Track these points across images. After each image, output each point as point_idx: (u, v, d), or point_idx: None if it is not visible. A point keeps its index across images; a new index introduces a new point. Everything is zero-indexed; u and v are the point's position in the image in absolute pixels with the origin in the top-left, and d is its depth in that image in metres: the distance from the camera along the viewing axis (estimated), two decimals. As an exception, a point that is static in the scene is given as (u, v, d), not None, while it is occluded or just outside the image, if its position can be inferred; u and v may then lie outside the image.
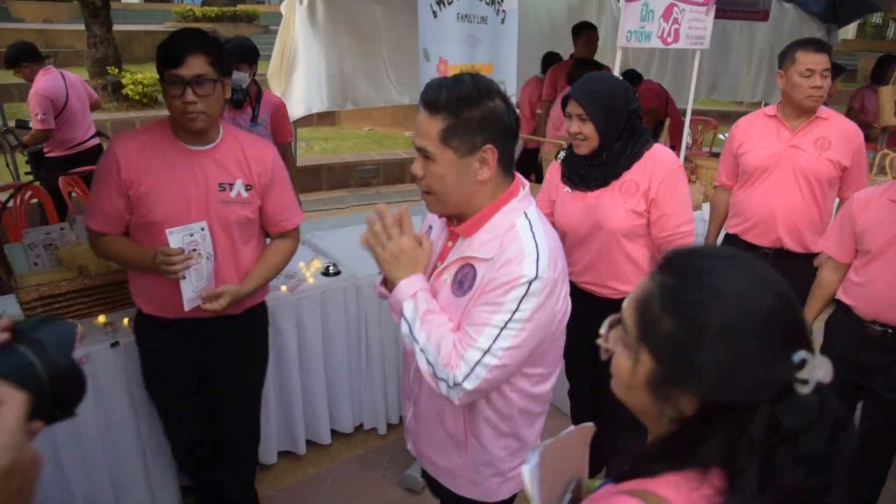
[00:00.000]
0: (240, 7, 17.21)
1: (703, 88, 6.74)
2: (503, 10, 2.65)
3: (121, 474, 2.51)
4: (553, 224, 2.23)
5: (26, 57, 4.79)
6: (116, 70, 9.86)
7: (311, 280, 2.86)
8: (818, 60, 2.62)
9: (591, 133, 2.13)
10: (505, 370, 1.37)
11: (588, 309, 2.19)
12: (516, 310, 1.32)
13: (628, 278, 2.27)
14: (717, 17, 3.46)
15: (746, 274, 0.82)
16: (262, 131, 3.84)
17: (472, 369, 1.34)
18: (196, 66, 1.88)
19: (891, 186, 2.21)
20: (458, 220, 1.47)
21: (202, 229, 2.01)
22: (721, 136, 6.72)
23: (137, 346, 2.30)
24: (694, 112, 3.91)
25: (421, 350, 1.40)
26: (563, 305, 1.45)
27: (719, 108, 10.55)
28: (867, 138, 4.69)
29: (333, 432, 3.12)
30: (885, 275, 2.18)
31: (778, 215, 2.82)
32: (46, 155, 4.83)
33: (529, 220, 1.41)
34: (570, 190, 2.30)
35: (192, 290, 2.02)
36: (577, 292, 2.24)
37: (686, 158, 3.84)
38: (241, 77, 3.56)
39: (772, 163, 2.81)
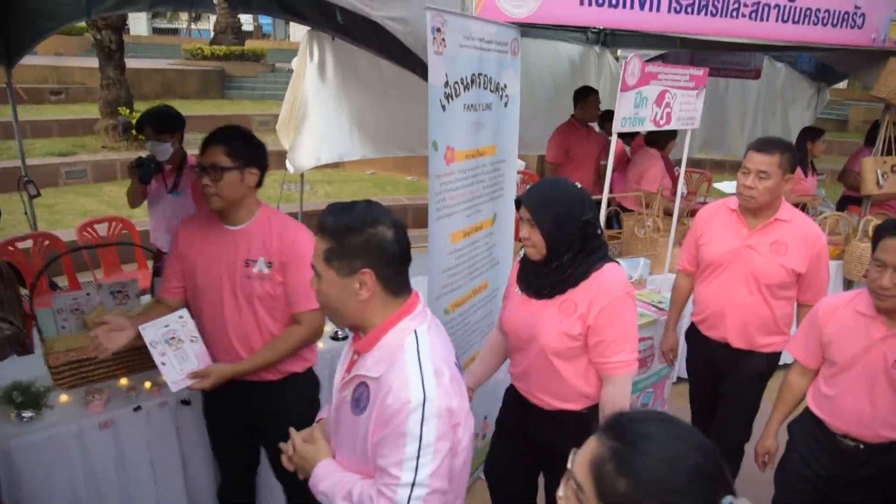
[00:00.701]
0: (247, 45, 17.57)
1: (696, 142, 6.95)
2: (507, 95, 2.84)
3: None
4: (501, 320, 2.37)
5: None
6: (127, 111, 10.10)
7: (320, 344, 3.00)
8: (757, 161, 2.58)
9: (539, 241, 2.04)
10: (438, 494, 1.42)
11: (523, 412, 2.32)
12: (420, 436, 1.38)
13: (559, 394, 2.18)
14: (710, 75, 3.66)
15: (676, 435, 0.99)
16: (185, 200, 3.75)
17: None
18: (213, 155, 2.16)
19: (857, 296, 2.20)
20: (362, 332, 1.56)
21: (180, 317, 2.25)
22: (715, 185, 6.92)
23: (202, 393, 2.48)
24: (689, 161, 4.07)
25: None
26: (463, 432, 1.49)
27: (714, 156, 10.77)
28: (858, 202, 4.88)
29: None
30: (854, 390, 2.16)
31: (727, 312, 2.80)
32: None
33: (418, 340, 1.48)
34: (520, 291, 2.22)
35: (175, 373, 2.21)
36: (513, 392, 2.36)
37: (679, 220, 4.01)
38: (162, 148, 3.54)
39: (726, 260, 2.78)
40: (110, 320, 2.25)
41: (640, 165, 4.93)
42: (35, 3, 4.04)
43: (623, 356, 2.07)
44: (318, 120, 5.13)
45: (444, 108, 2.37)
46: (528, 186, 2.16)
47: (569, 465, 1.06)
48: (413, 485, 1.38)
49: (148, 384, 2.60)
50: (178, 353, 2.23)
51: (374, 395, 1.46)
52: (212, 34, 19.30)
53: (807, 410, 2.37)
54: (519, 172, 4.80)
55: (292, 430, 1.69)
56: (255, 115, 12.39)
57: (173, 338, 2.21)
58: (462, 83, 2.46)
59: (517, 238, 3.78)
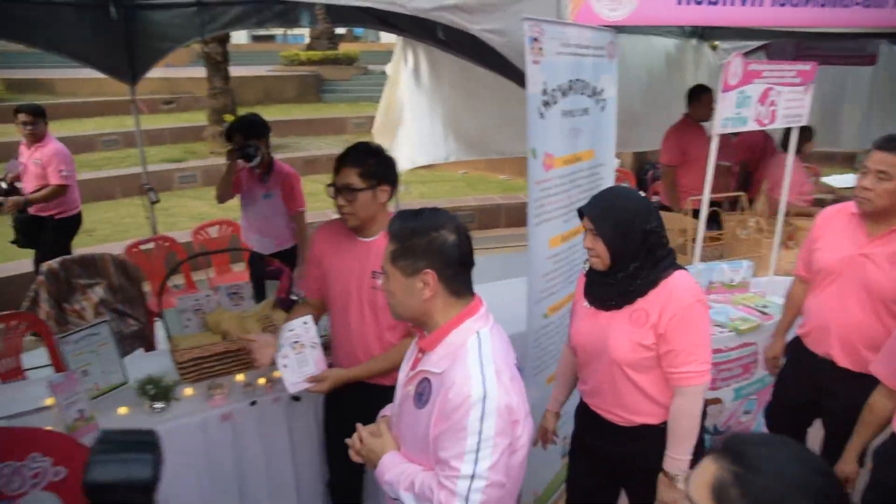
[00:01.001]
0: (341, 50, 18.08)
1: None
2: (603, 100, 2.84)
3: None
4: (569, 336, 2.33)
5: (43, 113, 5.03)
6: (232, 117, 10.65)
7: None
8: (878, 160, 2.39)
9: (603, 251, 2.02)
10: (496, 486, 1.49)
11: (595, 429, 2.26)
12: (480, 430, 1.46)
13: (634, 409, 2.12)
14: (821, 63, 3.47)
15: (797, 459, 0.99)
16: (275, 202, 4.18)
17: (467, 498, 1.46)
18: (347, 176, 2.27)
19: None
20: (427, 331, 1.65)
21: (305, 323, 2.38)
22: (824, 180, 6.55)
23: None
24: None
25: None
26: (522, 430, 1.56)
27: (824, 148, 10.16)
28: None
29: None
30: None
31: (832, 327, 2.58)
32: (56, 217, 5.09)
33: (480, 340, 1.57)
34: (587, 305, 2.18)
35: (294, 376, 2.37)
36: (586, 409, 2.29)
37: (786, 221, 3.85)
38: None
39: (837, 268, 2.56)
40: (257, 338, 2.52)
41: (775, 173, 4.60)
42: (156, 27, 4.40)
43: (694, 367, 2.02)
44: (413, 124, 5.27)
45: (542, 115, 2.41)
46: (591, 198, 2.13)
47: (679, 485, 1.10)
48: (473, 476, 1.45)
49: (262, 381, 2.78)
50: (300, 357, 2.37)
51: (436, 389, 1.56)
52: (306, 39, 20.01)
53: (893, 435, 2.18)
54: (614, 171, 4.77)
55: (359, 425, 1.80)
56: (350, 117, 12.77)
57: (297, 342, 2.34)
58: (559, 90, 2.49)
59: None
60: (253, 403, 2.68)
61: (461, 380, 1.50)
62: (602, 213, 2.03)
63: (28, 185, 4.97)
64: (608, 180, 3.02)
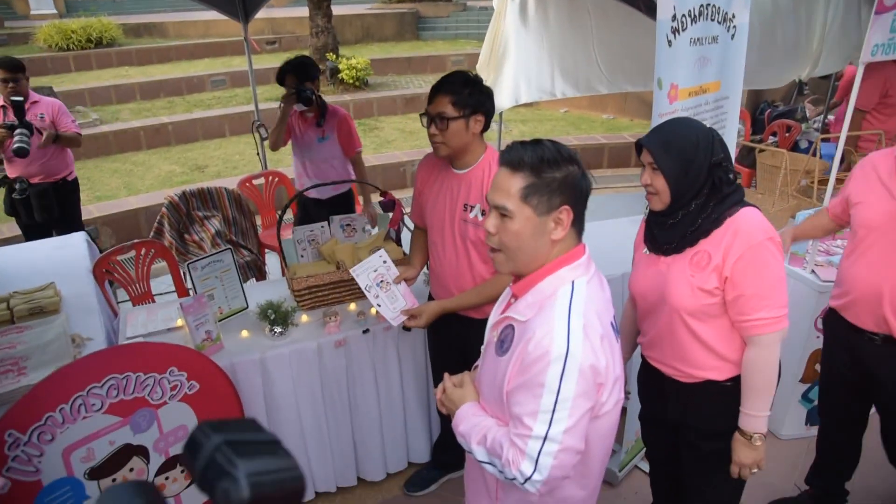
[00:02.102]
0: (440, -15, 17.72)
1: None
2: (734, 27, 2.64)
3: (364, 438, 2.97)
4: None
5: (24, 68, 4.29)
6: (334, 56, 10.77)
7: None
8: None
9: (663, 187, 1.85)
10: (570, 451, 1.36)
11: (656, 388, 2.11)
12: (559, 389, 1.32)
13: (696, 362, 1.95)
14: None
15: None
16: (332, 146, 4.11)
17: (537, 460, 1.34)
18: (440, 104, 2.25)
19: None
20: (519, 277, 1.51)
21: (384, 261, 2.49)
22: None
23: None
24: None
25: (487, 463, 1.46)
26: (608, 396, 1.42)
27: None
28: None
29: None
30: None
31: (885, 293, 2.24)
32: (70, 178, 4.59)
33: (573, 291, 1.41)
34: (647, 252, 2.03)
35: (390, 312, 2.48)
36: (645, 366, 2.16)
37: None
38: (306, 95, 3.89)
39: (882, 222, 2.24)
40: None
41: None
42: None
43: (767, 312, 1.80)
44: (518, 59, 5.12)
45: (669, 43, 2.27)
46: (651, 128, 1.95)
47: (756, 444, 0.90)
48: (545, 438, 1.33)
49: (374, 310, 2.85)
50: (389, 293, 2.49)
51: (517, 338, 1.43)
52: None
53: None
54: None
55: (446, 374, 1.71)
56: (448, 55, 12.60)
57: (382, 281, 2.46)
58: (689, 16, 2.33)
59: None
60: (365, 331, 2.77)
61: (543, 331, 1.36)
62: (663, 143, 1.84)
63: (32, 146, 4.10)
64: (733, 114, 2.85)
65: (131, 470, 2.20)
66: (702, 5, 2.38)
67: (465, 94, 2.24)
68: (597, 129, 9.03)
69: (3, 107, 4.24)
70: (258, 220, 5.07)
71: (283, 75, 4.00)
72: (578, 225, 1.47)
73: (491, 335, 1.58)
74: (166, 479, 2.32)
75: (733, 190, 1.86)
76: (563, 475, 1.38)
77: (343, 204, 4.31)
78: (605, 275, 1.62)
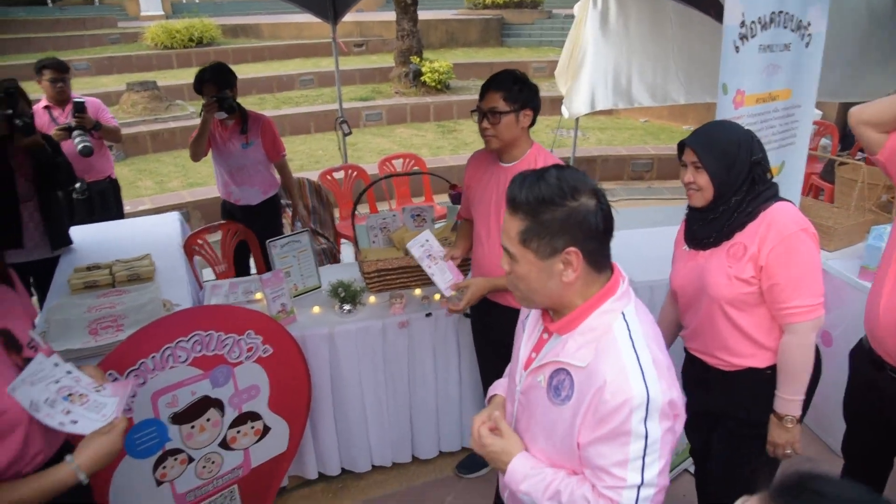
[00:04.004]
0: (526, -8, 17.83)
1: None
2: (809, 35, 2.65)
3: (420, 417, 3.12)
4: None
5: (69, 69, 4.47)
6: (418, 59, 11.06)
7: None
8: None
9: (706, 183, 1.94)
10: (663, 491, 1.32)
11: (699, 377, 2.16)
12: (646, 433, 1.25)
13: (737, 350, 2.02)
14: None
15: None
16: (256, 151, 3.99)
17: None
18: (492, 100, 2.39)
19: None
20: (554, 313, 1.41)
21: (427, 240, 2.77)
22: None
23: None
24: None
25: None
26: (680, 424, 1.35)
27: None
28: None
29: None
30: None
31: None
32: (111, 178, 4.67)
33: (628, 324, 1.32)
34: (687, 248, 2.11)
35: (443, 283, 2.72)
36: (689, 357, 2.20)
37: None
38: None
39: None
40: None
41: None
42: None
43: (802, 300, 1.88)
44: (596, 66, 5.19)
45: (737, 49, 2.32)
46: (693, 130, 2.03)
47: (788, 426, 0.89)
48: (641, 486, 1.27)
49: (437, 296, 3.00)
50: (438, 266, 2.73)
51: (580, 385, 1.31)
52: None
53: None
54: (814, 123, 4.38)
55: (476, 419, 1.55)
56: (531, 61, 12.69)
57: (430, 255, 2.72)
58: (759, 23, 2.37)
59: (804, 192, 3.53)
60: (428, 315, 2.93)
61: (616, 376, 1.26)
62: (707, 143, 1.94)
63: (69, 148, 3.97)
64: (805, 124, 2.84)
65: (208, 420, 2.42)
66: (773, 12, 2.42)
67: (515, 90, 2.37)
68: (676, 139, 8.89)
69: (47, 107, 4.35)
70: (336, 213, 5.33)
71: (200, 84, 3.83)
72: (601, 255, 1.34)
73: (532, 379, 1.43)
74: (238, 432, 2.53)
75: (768, 187, 1.96)
76: None
77: (270, 210, 4.27)
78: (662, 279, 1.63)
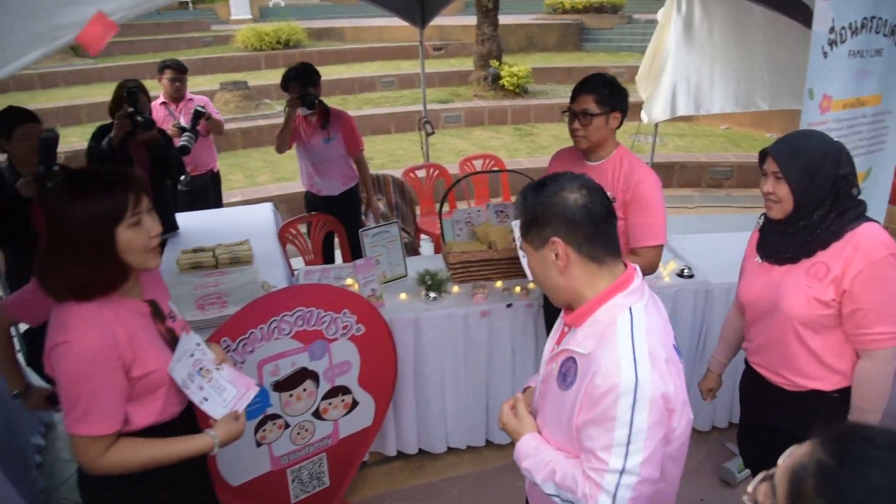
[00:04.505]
0: (607, -3, 17.73)
1: None
2: (903, 41, 2.65)
3: (496, 403, 3.26)
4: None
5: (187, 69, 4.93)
6: (497, 63, 11.21)
7: (667, 279, 3.25)
8: None
9: (786, 195, 1.87)
10: (648, 482, 1.34)
11: (759, 393, 2.10)
12: (631, 422, 1.30)
13: (805, 371, 1.97)
14: None
15: None
16: (337, 146, 4.25)
17: (615, 494, 1.33)
18: (584, 102, 2.50)
19: None
20: (571, 308, 1.49)
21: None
22: None
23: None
24: None
25: (554, 495, 1.44)
26: (679, 420, 1.39)
27: None
28: None
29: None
30: None
31: None
32: (215, 171, 5.11)
33: (632, 317, 1.38)
34: (759, 261, 2.05)
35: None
36: (749, 371, 2.16)
37: None
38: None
39: None
40: None
41: None
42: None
43: (885, 327, 1.82)
44: (678, 71, 5.20)
45: (825, 54, 2.36)
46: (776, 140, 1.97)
47: (779, 461, 0.93)
48: (622, 472, 1.31)
49: (518, 289, 3.14)
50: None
51: (582, 372, 1.40)
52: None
53: None
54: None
55: (505, 402, 1.69)
56: (610, 66, 12.62)
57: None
58: (850, 28, 2.41)
59: (892, 201, 3.48)
60: (509, 306, 3.07)
61: (609, 363, 1.33)
62: (790, 153, 1.86)
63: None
64: (895, 130, 2.83)
65: (304, 390, 2.64)
66: (865, 18, 2.44)
67: (606, 93, 2.48)
68: (757, 148, 8.69)
69: (164, 103, 4.78)
70: (417, 210, 5.53)
71: (286, 82, 4.12)
72: (594, 247, 1.41)
73: (549, 368, 1.54)
74: (329, 404, 2.74)
75: (855, 204, 1.89)
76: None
77: (351, 199, 4.54)
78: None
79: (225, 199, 6.67)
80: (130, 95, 3.64)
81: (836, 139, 2.56)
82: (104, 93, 10.43)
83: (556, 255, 1.41)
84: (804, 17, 2.89)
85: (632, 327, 1.36)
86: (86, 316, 1.57)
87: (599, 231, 1.41)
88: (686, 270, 3.27)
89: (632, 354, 1.33)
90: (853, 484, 0.80)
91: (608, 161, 2.60)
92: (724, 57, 5.13)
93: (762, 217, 2.05)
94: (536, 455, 1.50)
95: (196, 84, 11.30)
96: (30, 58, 1.07)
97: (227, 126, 9.10)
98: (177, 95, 4.80)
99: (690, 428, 1.47)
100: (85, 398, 1.55)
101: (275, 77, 11.82)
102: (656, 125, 5.55)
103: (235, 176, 8.00)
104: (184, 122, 4.48)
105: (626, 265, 1.47)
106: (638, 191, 2.51)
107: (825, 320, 1.89)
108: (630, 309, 1.39)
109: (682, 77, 5.22)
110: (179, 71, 4.80)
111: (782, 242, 1.95)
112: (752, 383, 2.17)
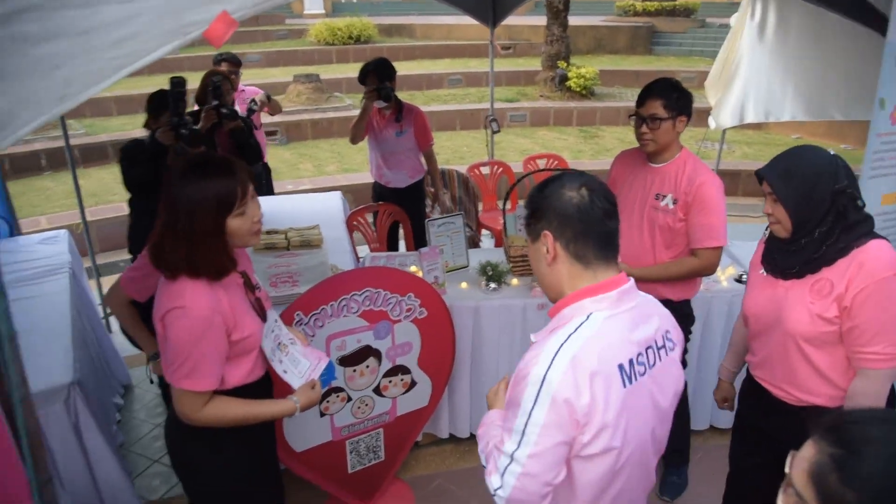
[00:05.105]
0: (680, 0, 17.44)
1: None
2: (981, 53, 2.62)
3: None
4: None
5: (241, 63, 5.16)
6: (565, 64, 11.23)
7: (724, 283, 3.28)
8: None
9: (783, 217, 1.85)
10: (532, 479, 1.32)
11: (761, 405, 2.08)
12: (530, 412, 1.30)
13: (807, 387, 1.95)
14: None
15: None
16: (408, 139, 4.41)
17: (503, 477, 1.35)
18: (652, 107, 2.58)
19: None
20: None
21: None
22: None
23: None
24: None
25: (483, 465, 1.48)
26: (594, 439, 1.31)
27: None
28: None
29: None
30: None
31: None
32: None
33: (583, 324, 1.35)
34: (764, 273, 2.03)
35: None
36: (752, 383, 2.14)
37: None
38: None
39: None
40: None
41: None
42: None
43: (882, 347, 1.79)
44: (749, 77, 5.16)
45: (898, 64, 2.37)
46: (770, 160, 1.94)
47: (787, 469, 0.98)
48: (511, 457, 1.33)
49: (575, 284, 3.23)
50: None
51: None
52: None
53: None
54: None
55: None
56: (679, 71, 12.47)
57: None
58: (925, 39, 2.40)
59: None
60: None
61: (534, 353, 1.35)
62: (782, 174, 1.84)
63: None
64: (969, 144, 2.79)
65: (367, 367, 2.80)
66: (942, 29, 2.43)
67: (674, 97, 2.55)
68: (831, 160, 8.48)
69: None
70: (479, 206, 5.66)
71: (364, 75, 4.27)
72: (582, 247, 1.40)
73: None
74: (389, 382, 2.90)
75: (862, 218, 1.85)
76: (526, 500, 1.35)
77: (416, 192, 4.70)
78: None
79: (294, 187, 6.99)
80: (215, 90, 3.89)
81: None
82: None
83: (546, 248, 1.42)
84: (881, 27, 2.88)
85: (575, 331, 1.34)
86: (197, 286, 1.76)
87: (590, 231, 1.39)
88: (744, 276, 3.28)
89: (555, 352, 1.31)
90: (870, 464, 0.85)
91: (672, 163, 2.66)
92: (798, 65, 5.06)
93: (768, 229, 2.02)
94: (488, 427, 1.54)
95: (270, 75, 11.74)
96: (165, 49, 1.25)
97: (298, 117, 9.51)
98: (231, 86, 5.10)
99: (615, 458, 1.36)
100: (194, 357, 1.74)
101: (345, 71, 12.20)
102: (724, 131, 5.52)
103: (305, 165, 8.30)
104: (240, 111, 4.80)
105: (617, 273, 1.43)
106: (700, 193, 2.56)
107: (828, 336, 1.87)
108: (590, 315, 1.37)
109: (753, 84, 5.18)
110: (234, 64, 5.06)
111: (787, 259, 1.93)
112: (753, 392, 2.16)
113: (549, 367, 1.29)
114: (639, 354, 1.39)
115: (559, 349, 1.31)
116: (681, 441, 3.11)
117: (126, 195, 3.46)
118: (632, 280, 1.44)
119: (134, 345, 2.49)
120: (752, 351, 2.15)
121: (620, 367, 1.35)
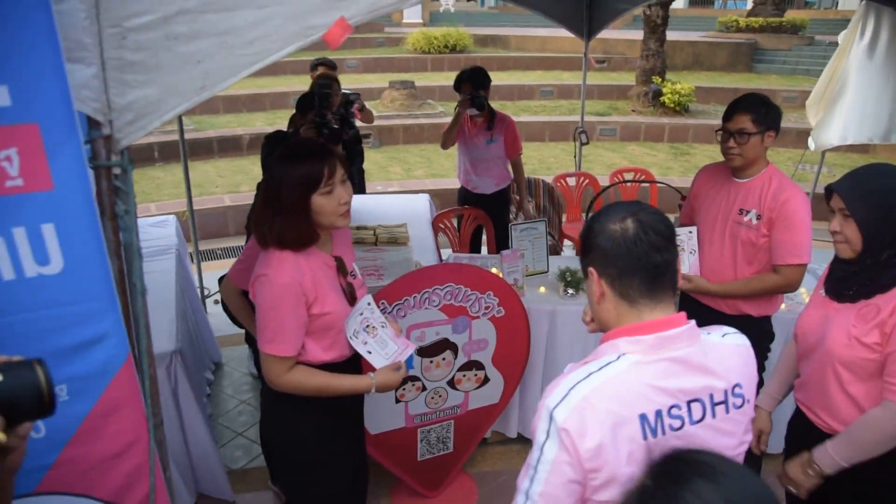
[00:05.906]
0: (787, 16, 16.81)
1: None
2: None
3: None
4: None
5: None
6: (660, 79, 11.08)
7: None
8: None
9: (854, 236, 1.76)
10: None
11: (802, 430, 2.01)
12: (542, 447, 1.23)
13: (840, 414, 1.85)
14: None
15: (717, 490, 0.80)
16: (498, 148, 4.50)
17: None
18: (740, 121, 2.57)
19: None
20: None
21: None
22: None
23: None
24: None
25: None
26: (607, 485, 1.21)
27: None
28: None
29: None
30: None
31: None
32: None
33: (612, 364, 1.25)
34: (823, 294, 1.95)
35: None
36: (797, 411, 2.07)
37: None
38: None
39: None
40: None
41: None
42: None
43: None
44: (854, 97, 4.97)
45: None
46: (845, 175, 1.85)
47: (811, 472, 0.97)
48: (526, 495, 1.24)
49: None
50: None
51: None
52: (748, 5, 19.03)
53: None
54: None
55: None
56: (781, 89, 12.06)
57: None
58: None
59: None
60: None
61: (553, 384, 1.29)
62: (858, 190, 1.76)
63: None
64: None
65: (444, 359, 2.93)
66: None
67: (763, 112, 2.54)
68: (942, 189, 8.00)
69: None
70: (563, 216, 5.71)
71: (459, 83, 4.40)
72: (627, 286, 1.30)
73: None
74: (463, 376, 3.01)
75: None
76: None
77: (501, 199, 4.78)
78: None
79: (384, 188, 7.25)
80: (322, 99, 4.01)
81: None
82: (286, 83, 11.51)
83: (594, 286, 1.35)
84: None
85: (599, 369, 1.25)
86: (283, 257, 1.94)
87: (635, 268, 1.28)
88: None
89: (570, 387, 1.23)
90: (671, 501, 0.82)
91: (757, 178, 2.65)
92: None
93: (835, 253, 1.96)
94: None
95: (367, 81, 12.17)
96: (289, 49, 1.42)
97: (392, 122, 9.84)
98: (339, 89, 5.38)
99: None
100: (275, 322, 1.92)
101: (439, 79, 12.50)
102: (823, 153, 5.34)
103: (395, 168, 8.58)
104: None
105: (668, 313, 1.30)
106: (785, 209, 2.54)
107: (868, 364, 1.78)
108: (621, 356, 1.26)
109: (858, 104, 4.99)
110: (330, 67, 5.28)
111: (845, 282, 1.87)
112: (797, 416, 2.12)
113: (560, 402, 1.22)
114: (673, 406, 1.25)
115: (575, 385, 1.23)
116: None
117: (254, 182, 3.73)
118: (688, 324, 1.30)
119: (238, 326, 2.69)
120: (800, 370, 2.11)
121: (643, 416, 1.22)
